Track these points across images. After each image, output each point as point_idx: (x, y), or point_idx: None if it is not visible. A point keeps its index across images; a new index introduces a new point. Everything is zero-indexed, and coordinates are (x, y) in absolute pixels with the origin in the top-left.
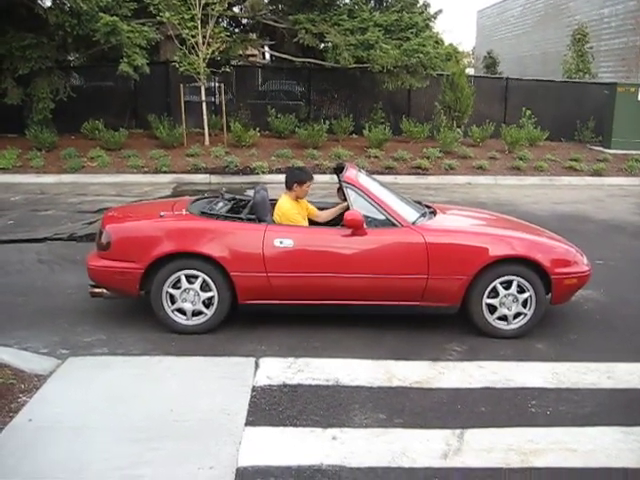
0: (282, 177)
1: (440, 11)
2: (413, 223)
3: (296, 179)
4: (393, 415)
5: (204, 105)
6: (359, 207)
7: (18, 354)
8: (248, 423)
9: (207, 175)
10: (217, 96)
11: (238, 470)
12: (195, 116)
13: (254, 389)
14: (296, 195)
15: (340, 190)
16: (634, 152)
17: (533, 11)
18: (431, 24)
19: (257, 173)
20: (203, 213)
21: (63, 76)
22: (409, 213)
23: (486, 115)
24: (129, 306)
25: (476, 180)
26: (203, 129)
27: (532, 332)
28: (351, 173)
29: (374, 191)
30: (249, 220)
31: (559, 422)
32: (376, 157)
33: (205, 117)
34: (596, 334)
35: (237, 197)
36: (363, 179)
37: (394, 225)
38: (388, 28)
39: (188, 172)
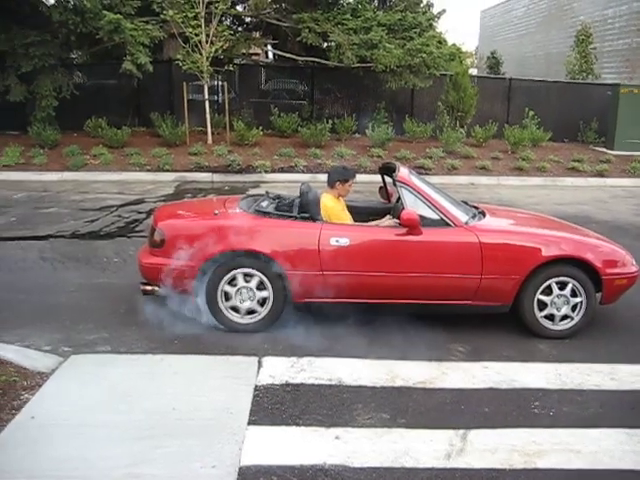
0: (284, 176)
1: (443, 11)
2: (466, 223)
3: (339, 177)
4: (396, 415)
5: (207, 104)
6: (413, 207)
7: (21, 351)
8: (251, 422)
9: (210, 174)
10: (220, 95)
11: (241, 469)
12: (198, 114)
13: (257, 388)
14: (338, 193)
15: (382, 189)
16: (637, 153)
17: (537, 12)
18: (434, 24)
19: (260, 172)
20: (257, 211)
21: (66, 74)
22: (460, 213)
23: (489, 115)
24: (131, 304)
25: (479, 180)
26: (206, 128)
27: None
28: (404, 173)
29: (427, 191)
30: (303, 218)
31: (563, 423)
32: (379, 156)
33: (208, 116)
34: (597, 336)
35: (281, 196)
36: (415, 179)
37: (448, 225)
38: (392, 27)
39: (190, 170)
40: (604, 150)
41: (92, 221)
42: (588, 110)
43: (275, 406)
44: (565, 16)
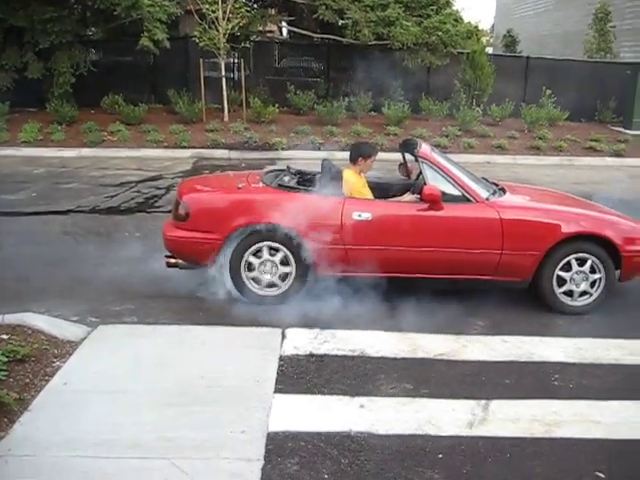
0: (301, 153)
1: None
2: (487, 199)
3: (361, 153)
4: (419, 385)
5: (223, 81)
6: (434, 182)
7: (51, 321)
8: (277, 390)
9: (226, 150)
10: (236, 72)
11: (269, 435)
12: (214, 92)
13: (281, 358)
14: (360, 169)
15: (402, 166)
16: None
17: None
18: (451, 1)
19: (276, 149)
20: (280, 186)
21: (83, 50)
22: (481, 189)
23: (506, 94)
24: (155, 277)
25: (495, 159)
26: (222, 105)
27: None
28: (426, 149)
29: (448, 167)
30: (325, 193)
31: (582, 395)
32: (395, 135)
33: (224, 93)
34: (616, 312)
35: (302, 171)
36: (437, 155)
37: (469, 201)
38: (409, 5)
39: (207, 147)
40: (622, 130)
41: (112, 196)
42: (606, 89)
43: (300, 375)
44: None
